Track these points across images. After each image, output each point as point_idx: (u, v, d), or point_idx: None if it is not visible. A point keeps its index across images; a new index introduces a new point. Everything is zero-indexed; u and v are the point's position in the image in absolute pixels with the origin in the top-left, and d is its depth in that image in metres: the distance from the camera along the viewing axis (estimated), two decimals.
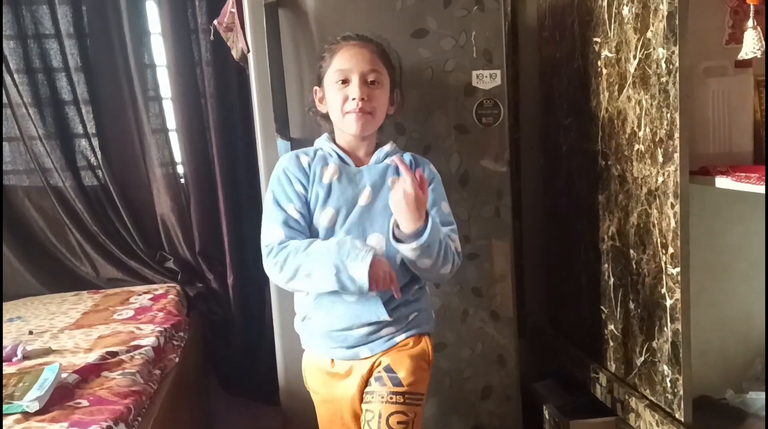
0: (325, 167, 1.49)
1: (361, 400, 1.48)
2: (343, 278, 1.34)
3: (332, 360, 1.51)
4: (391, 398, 1.43)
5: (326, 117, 1.56)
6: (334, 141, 1.55)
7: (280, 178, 1.49)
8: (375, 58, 1.49)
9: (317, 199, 1.47)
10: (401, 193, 1.34)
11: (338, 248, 1.36)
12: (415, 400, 1.46)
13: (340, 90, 1.47)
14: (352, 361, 1.49)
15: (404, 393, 1.44)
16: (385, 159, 1.53)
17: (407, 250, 1.38)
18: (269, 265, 1.43)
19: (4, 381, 1.52)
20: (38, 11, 2.40)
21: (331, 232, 1.46)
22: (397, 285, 1.38)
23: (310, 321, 1.51)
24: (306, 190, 1.48)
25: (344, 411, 1.51)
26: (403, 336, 1.49)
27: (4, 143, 2.48)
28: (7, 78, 2.40)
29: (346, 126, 1.49)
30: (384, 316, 1.44)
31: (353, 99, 1.45)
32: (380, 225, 1.45)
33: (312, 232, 1.48)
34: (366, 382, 1.48)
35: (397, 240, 1.39)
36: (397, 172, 1.48)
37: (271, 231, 1.45)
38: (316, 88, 1.56)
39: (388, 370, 1.45)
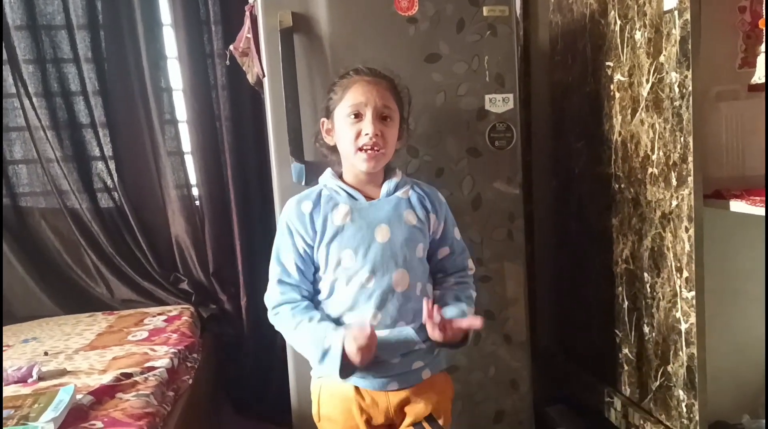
0: (336, 208, 1.47)
1: None
2: (326, 362, 1.39)
3: (355, 387, 1.47)
4: None
5: (333, 149, 1.53)
6: (339, 177, 1.53)
7: (283, 231, 1.50)
8: (388, 94, 1.47)
9: (331, 241, 1.45)
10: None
11: (319, 337, 1.40)
12: None
13: (353, 124, 1.44)
14: (378, 392, 1.47)
15: None
16: (396, 191, 1.51)
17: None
18: (271, 322, 1.54)
19: (20, 402, 1.53)
20: (57, 36, 2.44)
21: (353, 271, 1.44)
22: (373, 352, 1.37)
23: None
24: (307, 242, 1.47)
25: None
26: (429, 372, 1.50)
27: (22, 166, 2.52)
28: (25, 101, 2.44)
29: (358, 163, 1.46)
30: (420, 345, 1.46)
31: (366, 134, 1.42)
32: (403, 260, 1.45)
33: (316, 278, 1.51)
34: (393, 414, 1.48)
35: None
36: (410, 205, 1.51)
37: (269, 289, 1.54)
38: (323, 119, 1.53)
39: (430, 419, 1.48)
